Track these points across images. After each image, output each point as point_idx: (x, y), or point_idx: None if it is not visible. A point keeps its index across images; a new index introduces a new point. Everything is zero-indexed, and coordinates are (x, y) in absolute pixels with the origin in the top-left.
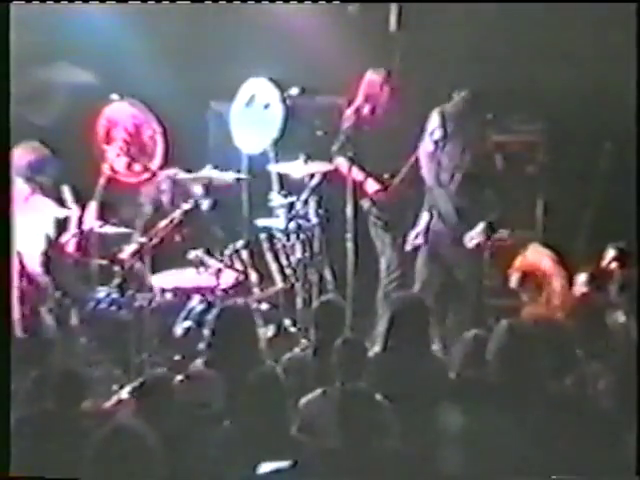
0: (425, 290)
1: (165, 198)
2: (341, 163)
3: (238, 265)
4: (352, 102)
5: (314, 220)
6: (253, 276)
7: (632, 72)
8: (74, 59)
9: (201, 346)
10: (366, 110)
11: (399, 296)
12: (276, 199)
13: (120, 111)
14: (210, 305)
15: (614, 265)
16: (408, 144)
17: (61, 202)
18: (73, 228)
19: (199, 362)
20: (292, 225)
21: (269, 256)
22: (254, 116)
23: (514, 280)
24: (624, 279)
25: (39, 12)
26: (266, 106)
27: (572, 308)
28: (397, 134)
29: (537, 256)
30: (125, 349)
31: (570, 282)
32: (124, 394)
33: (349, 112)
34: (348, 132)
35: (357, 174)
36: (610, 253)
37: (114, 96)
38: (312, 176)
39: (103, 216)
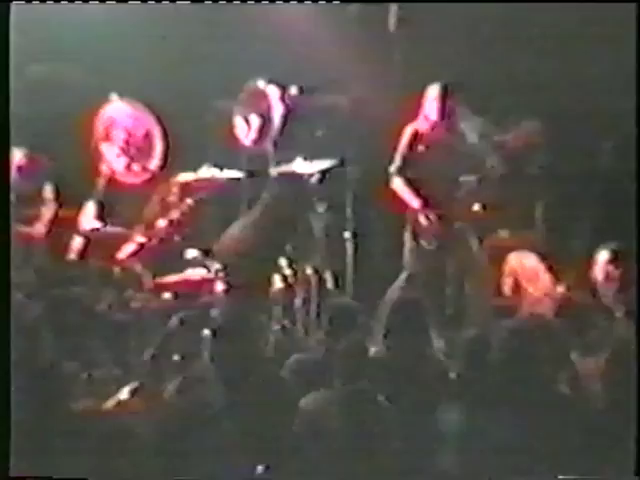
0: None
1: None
2: (398, 185)
3: None
4: (354, 101)
5: None
6: None
7: (632, 72)
8: (74, 59)
9: (202, 346)
10: (425, 128)
11: (399, 296)
12: None
13: (120, 111)
14: (209, 305)
15: (610, 267)
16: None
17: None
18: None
19: (202, 362)
20: None
21: None
22: (255, 116)
23: (507, 288)
24: (623, 279)
25: (39, 12)
26: (267, 105)
27: (569, 307)
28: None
29: (520, 257)
30: (125, 349)
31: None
32: (124, 394)
33: (409, 132)
34: (406, 153)
35: (411, 199)
36: (603, 255)
37: (114, 96)
38: (311, 176)
39: (102, 216)
